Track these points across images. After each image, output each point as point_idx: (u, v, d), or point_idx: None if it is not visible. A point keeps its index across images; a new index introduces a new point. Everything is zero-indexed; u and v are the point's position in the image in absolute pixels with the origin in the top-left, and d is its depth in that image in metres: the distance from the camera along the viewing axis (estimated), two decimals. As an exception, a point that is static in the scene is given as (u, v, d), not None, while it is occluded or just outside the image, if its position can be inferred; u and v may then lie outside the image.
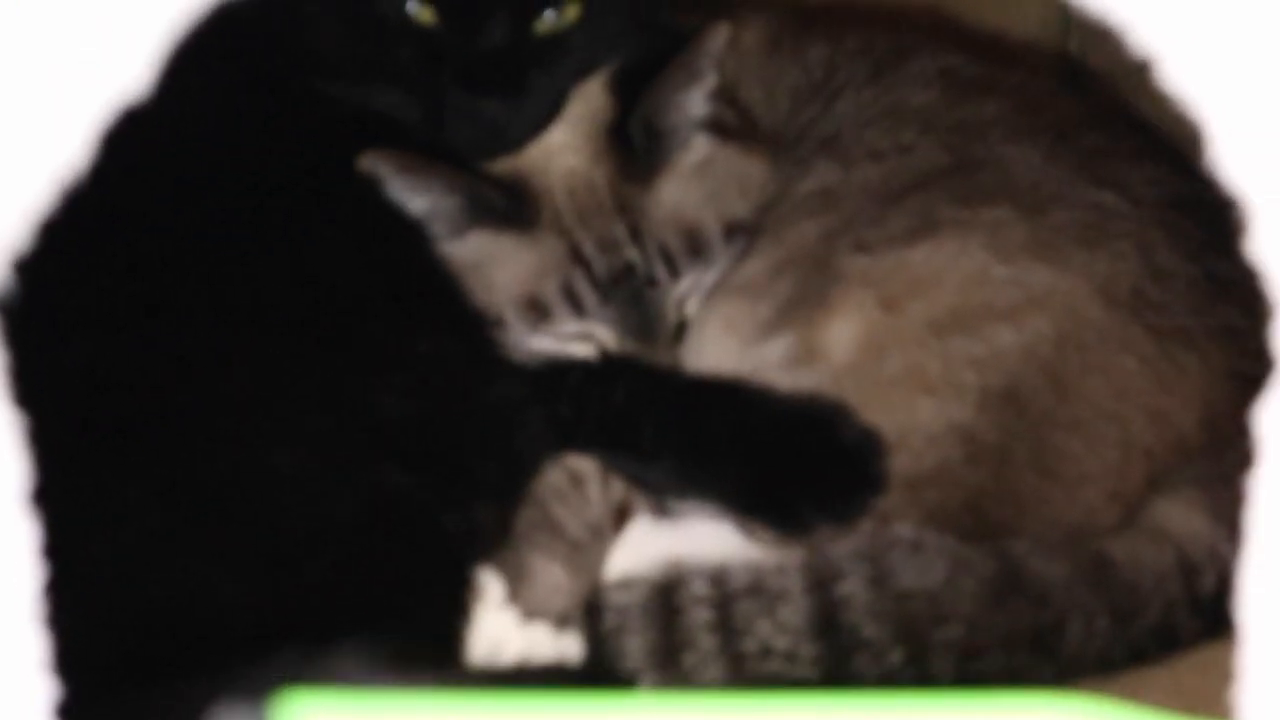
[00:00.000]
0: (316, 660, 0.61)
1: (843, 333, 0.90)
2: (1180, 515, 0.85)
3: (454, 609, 0.74)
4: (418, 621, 0.71)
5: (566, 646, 0.81)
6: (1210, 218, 0.90)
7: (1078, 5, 0.50)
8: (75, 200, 0.43)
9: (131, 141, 0.44)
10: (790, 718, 0.47)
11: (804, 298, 0.91)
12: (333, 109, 0.78)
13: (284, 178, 0.74)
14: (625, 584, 0.84)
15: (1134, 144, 0.93)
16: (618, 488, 0.88)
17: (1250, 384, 0.56)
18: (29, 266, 0.43)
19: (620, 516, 0.89)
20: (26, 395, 0.45)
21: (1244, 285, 0.60)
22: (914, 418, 0.87)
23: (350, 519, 0.69)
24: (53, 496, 0.46)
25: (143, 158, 0.45)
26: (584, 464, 0.89)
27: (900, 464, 0.85)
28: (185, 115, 0.47)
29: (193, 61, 0.45)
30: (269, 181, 0.72)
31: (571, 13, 0.86)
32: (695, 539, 0.87)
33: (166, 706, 0.54)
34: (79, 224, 0.43)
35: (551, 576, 0.84)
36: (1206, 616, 0.81)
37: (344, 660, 0.62)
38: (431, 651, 0.70)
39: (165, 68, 0.44)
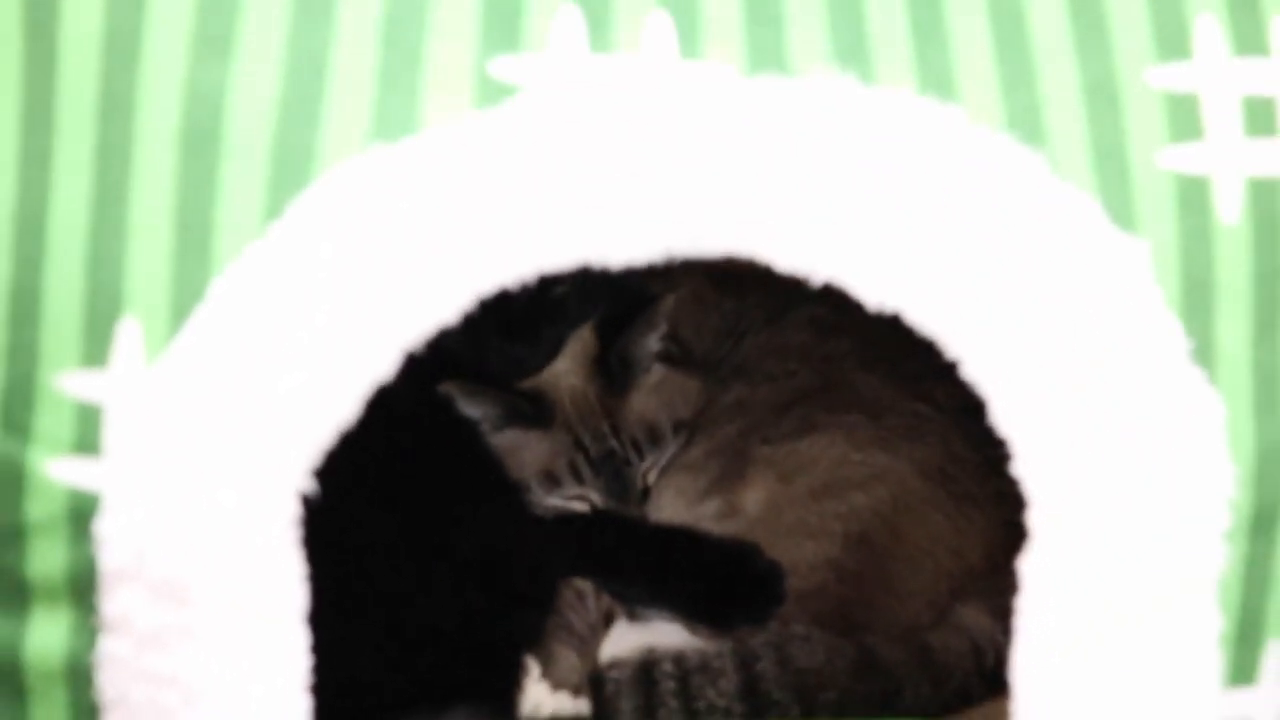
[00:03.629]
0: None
1: (754, 497, 0.93)
2: (972, 616, 0.88)
3: (512, 683, 0.80)
4: (492, 691, 0.77)
5: (580, 707, 0.83)
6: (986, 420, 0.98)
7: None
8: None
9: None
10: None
11: (727, 474, 0.94)
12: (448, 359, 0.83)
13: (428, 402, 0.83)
14: (616, 664, 0.84)
15: (938, 367, 1.02)
16: (605, 600, 0.90)
17: (1013, 528, 0.66)
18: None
19: (607, 619, 0.90)
20: (309, 553, 0.55)
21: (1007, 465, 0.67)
22: (801, 554, 0.89)
23: (453, 626, 0.75)
24: (312, 620, 0.55)
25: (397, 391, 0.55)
26: (584, 584, 0.89)
27: (793, 584, 0.87)
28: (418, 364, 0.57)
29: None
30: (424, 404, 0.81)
31: (567, 288, 0.91)
32: (656, 634, 0.89)
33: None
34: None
35: (569, 660, 0.86)
36: (989, 682, 0.84)
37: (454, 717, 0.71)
38: (500, 711, 0.77)
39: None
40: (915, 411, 0.94)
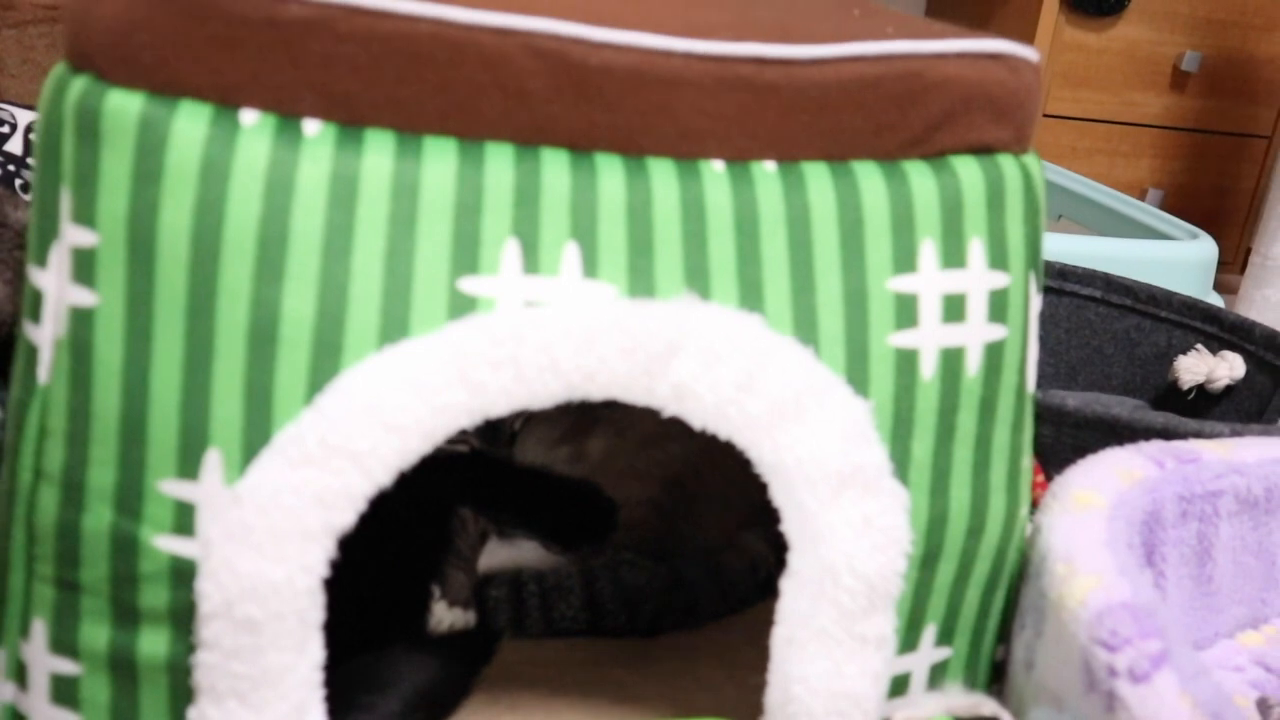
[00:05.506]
0: (386, 651, 0.99)
1: (596, 446, 1.17)
2: (751, 541, 1.13)
3: (425, 605, 1.05)
4: (413, 614, 1.04)
5: (469, 618, 1.05)
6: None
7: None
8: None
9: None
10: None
11: (576, 427, 1.19)
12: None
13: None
14: (492, 581, 1.06)
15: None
16: (481, 522, 1.11)
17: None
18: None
19: (483, 538, 1.12)
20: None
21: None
22: (630, 493, 1.11)
23: (390, 570, 1.01)
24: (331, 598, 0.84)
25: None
26: (466, 512, 1.09)
27: (624, 517, 1.08)
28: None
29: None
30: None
31: None
32: (520, 550, 1.13)
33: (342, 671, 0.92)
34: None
35: (460, 579, 1.07)
36: (762, 590, 1.09)
37: (396, 648, 1.00)
38: (418, 628, 1.04)
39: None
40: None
